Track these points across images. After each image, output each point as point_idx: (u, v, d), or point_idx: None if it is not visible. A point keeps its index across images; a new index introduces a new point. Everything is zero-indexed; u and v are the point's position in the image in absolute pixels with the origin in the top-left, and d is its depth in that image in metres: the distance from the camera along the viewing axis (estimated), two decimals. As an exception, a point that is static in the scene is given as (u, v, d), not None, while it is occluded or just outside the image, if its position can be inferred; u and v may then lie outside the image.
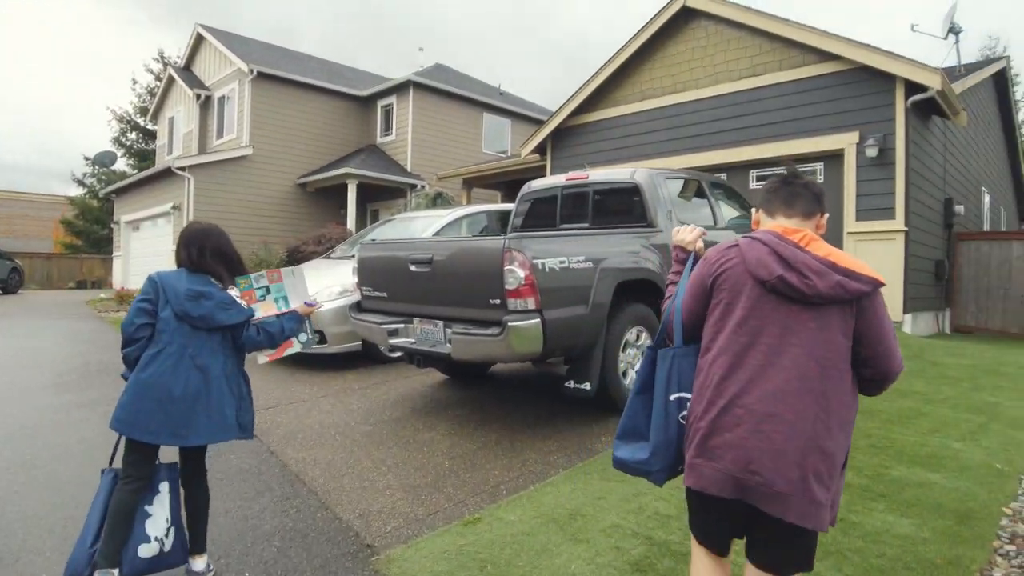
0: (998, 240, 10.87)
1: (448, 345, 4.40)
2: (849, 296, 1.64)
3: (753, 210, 1.97)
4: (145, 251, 20.09)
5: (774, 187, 1.89)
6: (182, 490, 2.75)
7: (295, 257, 14.94)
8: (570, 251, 4.34)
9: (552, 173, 12.45)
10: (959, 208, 10.72)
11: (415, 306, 4.71)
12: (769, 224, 1.84)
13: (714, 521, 1.80)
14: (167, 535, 2.64)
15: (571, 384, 4.46)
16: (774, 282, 1.67)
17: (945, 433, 4.37)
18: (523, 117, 22.08)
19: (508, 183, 15.79)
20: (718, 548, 1.83)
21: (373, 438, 4.46)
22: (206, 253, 2.77)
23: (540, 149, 12.89)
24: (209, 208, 16.88)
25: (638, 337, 4.87)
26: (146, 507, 2.62)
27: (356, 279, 5.27)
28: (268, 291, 3.04)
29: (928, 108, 9.16)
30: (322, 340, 6.56)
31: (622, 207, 5.72)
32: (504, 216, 8.45)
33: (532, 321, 3.98)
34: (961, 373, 6.19)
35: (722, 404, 1.68)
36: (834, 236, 9.10)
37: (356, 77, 21.98)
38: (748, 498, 1.63)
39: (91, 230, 28.75)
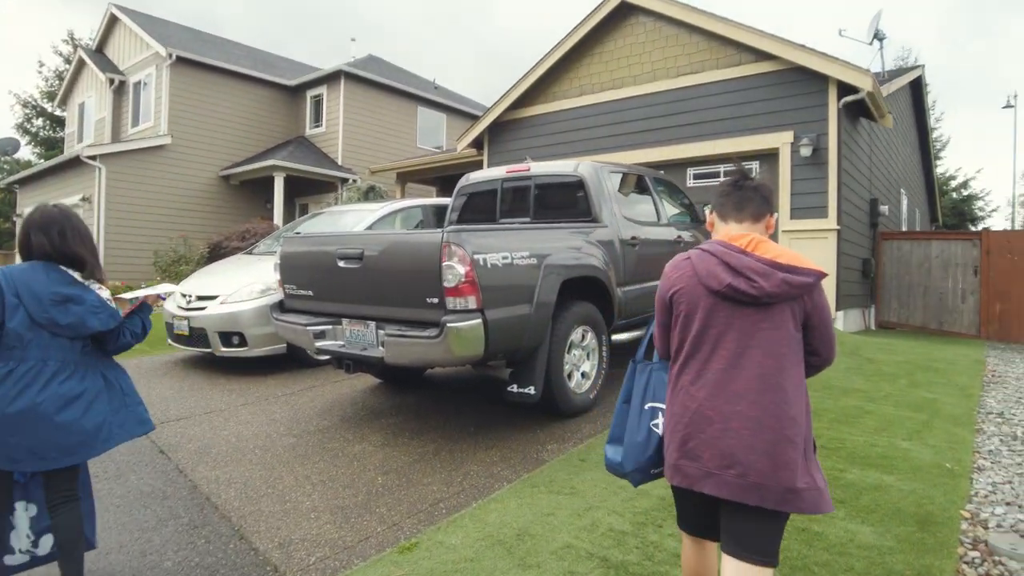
0: (919, 240, 11.27)
1: (381, 348, 4.04)
2: (795, 291, 1.77)
3: (707, 210, 2.11)
4: (51, 246, 18.62)
5: (726, 191, 1.98)
6: (51, 519, 2.34)
7: (217, 253, 14.10)
8: (513, 246, 4.05)
9: (490, 167, 12.15)
10: (884, 208, 11.05)
11: (344, 306, 4.32)
12: (722, 228, 1.97)
13: (695, 513, 1.95)
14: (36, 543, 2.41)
15: (514, 388, 4.18)
16: (724, 290, 1.79)
17: (892, 432, 4.32)
18: (459, 112, 21.70)
19: (444, 178, 15.42)
20: (702, 535, 1.98)
21: (297, 451, 4.04)
22: (68, 235, 2.37)
23: (477, 143, 12.57)
24: (123, 201, 15.77)
25: (583, 337, 4.63)
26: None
27: (278, 276, 4.82)
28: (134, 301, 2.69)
29: (857, 109, 9.35)
30: (242, 343, 6.05)
31: (565, 201, 5.47)
32: (441, 211, 8.09)
33: (473, 322, 3.67)
34: (897, 370, 6.26)
35: (694, 408, 1.81)
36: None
37: (285, 66, 21.06)
38: (727, 492, 1.74)
39: (-10, 224, 26.59)
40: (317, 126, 18.99)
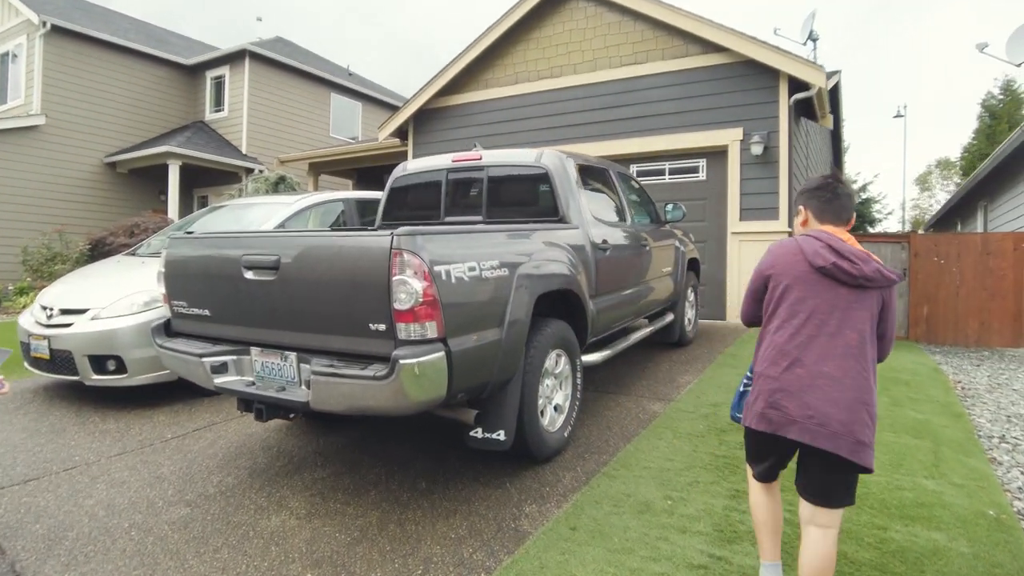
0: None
1: (304, 389, 3.06)
2: (884, 282, 2.08)
3: (800, 208, 2.34)
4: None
5: (827, 197, 2.26)
6: None
7: (101, 250, 12.36)
8: (480, 253, 3.17)
9: (414, 159, 11.14)
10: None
11: (253, 331, 3.30)
12: (817, 226, 2.26)
13: (771, 460, 2.26)
14: None
15: (479, 434, 3.31)
16: (830, 267, 2.09)
17: (908, 467, 3.76)
18: (376, 101, 20.43)
19: (362, 170, 14.23)
20: (770, 478, 2.33)
21: (191, 531, 3.00)
22: None
23: (400, 133, 11.52)
24: (-18, 189, 13.62)
25: (556, 363, 3.81)
26: None
27: (163, 289, 3.72)
28: None
29: (802, 108, 9.04)
30: (120, 369, 4.85)
31: (524, 197, 4.64)
32: (366, 206, 7.07)
33: (434, 356, 2.77)
34: (871, 385, 5.82)
35: (785, 364, 2.12)
36: (719, 236, 8.71)
37: (181, 44, 19.08)
38: (808, 438, 2.02)
39: None
40: (218, 110, 17.26)
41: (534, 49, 10.24)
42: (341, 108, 19.27)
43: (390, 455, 3.90)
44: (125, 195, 16.01)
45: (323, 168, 14.29)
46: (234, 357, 3.36)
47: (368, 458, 3.86)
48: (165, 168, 15.31)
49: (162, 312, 4.81)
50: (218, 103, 17.33)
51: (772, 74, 8.31)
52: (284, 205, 6.28)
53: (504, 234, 3.57)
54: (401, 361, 2.68)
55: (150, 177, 16.15)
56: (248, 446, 4.09)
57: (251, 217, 6.37)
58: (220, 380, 3.33)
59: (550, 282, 3.64)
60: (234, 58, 16.79)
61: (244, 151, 16.44)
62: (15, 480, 3.59)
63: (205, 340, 3.53)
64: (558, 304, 3.88)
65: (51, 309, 5.10)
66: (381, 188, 5.61)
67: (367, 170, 14.00)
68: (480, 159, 4.76)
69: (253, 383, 3.29)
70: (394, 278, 2.75)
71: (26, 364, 5.39)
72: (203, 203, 17.60)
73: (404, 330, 2.77)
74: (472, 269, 3.05)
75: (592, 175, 4.93)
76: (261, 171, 16.34)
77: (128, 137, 16.10)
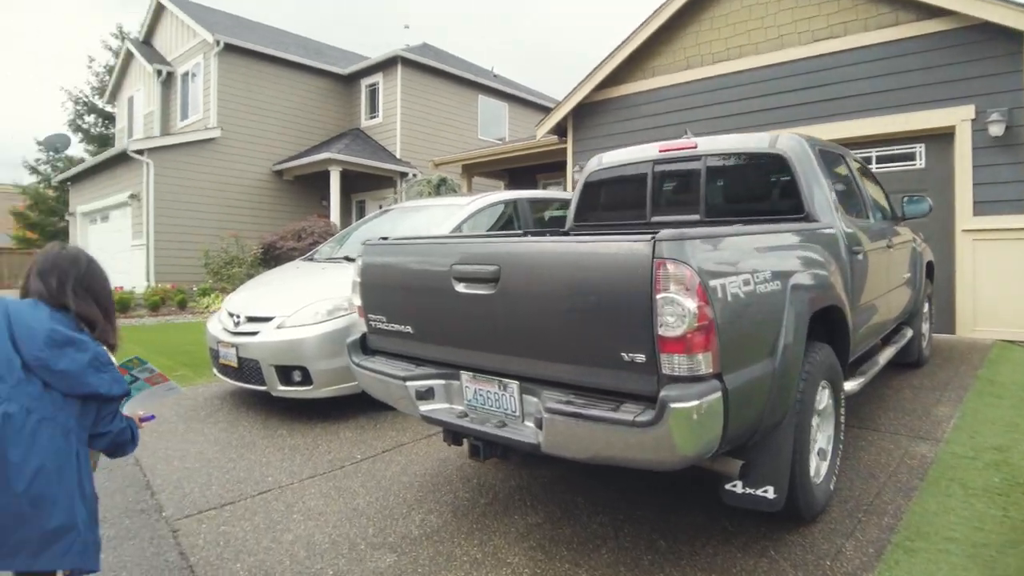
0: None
1: (531, 427, 2.54)
2: None
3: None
4: (105, 246, 17.86)
5: None
6: None
7: (271, 254, 12.93)
8: (753, 262, 2.49)
9: (575, 156, 10.60)
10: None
11: (464, 352, 2.83)
12: None
13: None
14: None
15: (738, 488, 2.62)
16: None
17: None
18: (522, 101, 20.19)
19: (514, 171, 13.88)
20: None
21: (401, 584, 2.57)
22: (69, 287, 1.93)
23: (559, 129, 11.00)
24: (171, 197, 14.77)
25: (821, 396, 3.04)
26: None
27: (358, 301, 3.37)
28: (133, 383, 2.14)
29: (1051, 77, 7.46)
30: (305, 380, 4.65)
31: (755, 190, 3.90)
32: (542, 205, 6.58)
33: (711, 397, 2.13)
34: None
35: None
36: (944, 234, 7.37)
37: (336, 55, 19.87)
38: None
39: (46, 222, 26.18)
40: (373, 117, 17.72)
41: (707, 30, 9.32)
42: (488, 109, 19.20)
43: (607, 499, 3.30)
44: (291, 201, 16.83)
45: (476, 169, 14.13)
46: (442, 382, 2.91)
47: (583, 500, 3.29)
48: (326, 174, 15.89)
49: (346, 322, 4.57)
50: (372, 110, 17.80)
51: (1013, 38, 6.88)
52: (458, 207, 5.92)
53: (771, 236, 2.86)
54: (672, 405, 2.06)
55: (312, 183, 16.86)
56: (445, 475, 3.67)
57: (423, 220, 6.08)
58: (426, 408, 2.89)
59: (822, 296, 2.89)
60: (386, 65, 17.15)
61: (398, 155, 16.74)
62: (212, 502, 3.38)
63: (406, 360, 3.12)
64: (818, 323, 3.10)
65: (238, 316, 5.02)
66: (532, 188, 5.07)
67: (519, 171, 13.65)
68: (695, 147, 4.06)
69: (465, 414, 2.81)
70: (659, 296, 2.13)
71: (215, 371, 5.39)
72: (361, 207, 18.16)
73: (671, 363, 2.15)
74: (747, 282, 2.37)
75: (831, 162, 4.07)
76: (415, 175, 16.56)
77: (292, 146, 16.91)
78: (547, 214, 6.71)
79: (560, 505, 3.24)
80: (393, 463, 3.89)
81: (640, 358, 2.20)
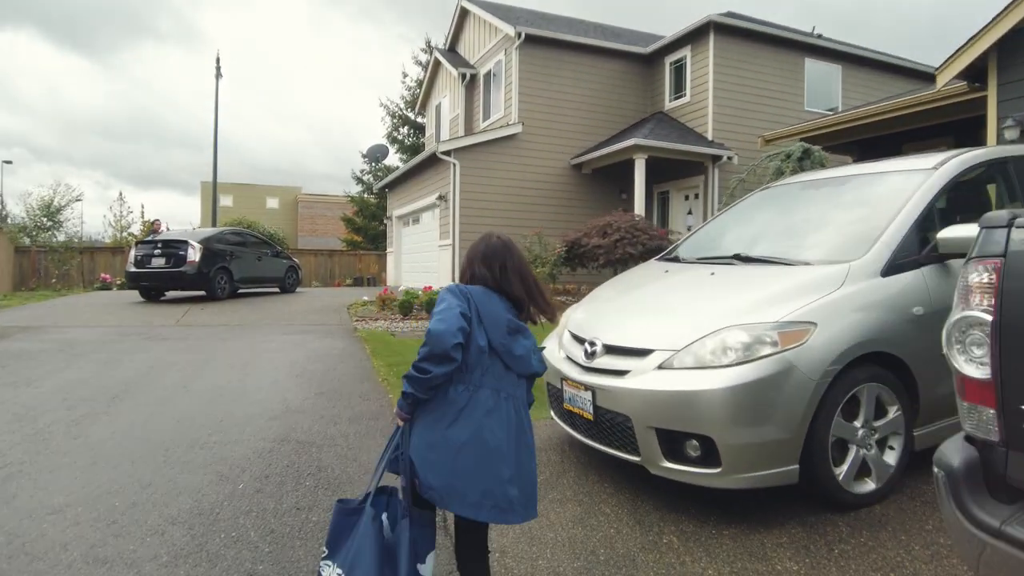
0: None
1: None
2: None
3: None
4: (415, 247, 18.80)
5: None
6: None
7: (576, 252, 11.74)
8: None
9: (1001, 107, 7.39)
10: None
11: None
12: None
13: None
14: None
15: None
16: None
17: None
18: (860, 61, 16.43)
19: (869, 142, 10.75)
20: None
21: None
22: (509, 273, 2.13)
23: (971, 73, 7.83)
24: (475, 197, 14.53)
25: None
26: None
27: (960, 357, 1.41)
28: None
29: None
30: (708, 458, 2.85)
31: None
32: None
33: None
34: None
35: None
36: None
37: (634, 37, 18.27)
38: None
39: (369, 227, 29.27)
40: (679, 96, 15.74)
41: None
42: (816, 75, 15.92)
43: None
44: (588, 196, 15.68)
45: (816, 143, 11.30)
46: None
47: None
48: (624, 166, 14.38)
49: (775, 366, 2.68)
50: (678, 89, 15.82)
51: None
52: (918, 174, 3.65)
53: None
54: None
55: (610, 176, 15.51)
56: None
57: (846, 198, 3.94)
58: None
59: None
60: (696, 36, 15.02)
61: (710, 137, 14.53)
62: None
63: None
64: None
65: (592, 344, 3.43)
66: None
67: (875, 141, 10.50)
68: None
69: None
70: None
71: (552, 414, 3.91)
72: (664, 200, 16.35)
73: None
74: None
75: None
76: (730, 158, 14.21)
77: (589, 138, 15.74)
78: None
79: None
80: None
81: None
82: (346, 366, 6.77)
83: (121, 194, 43.95)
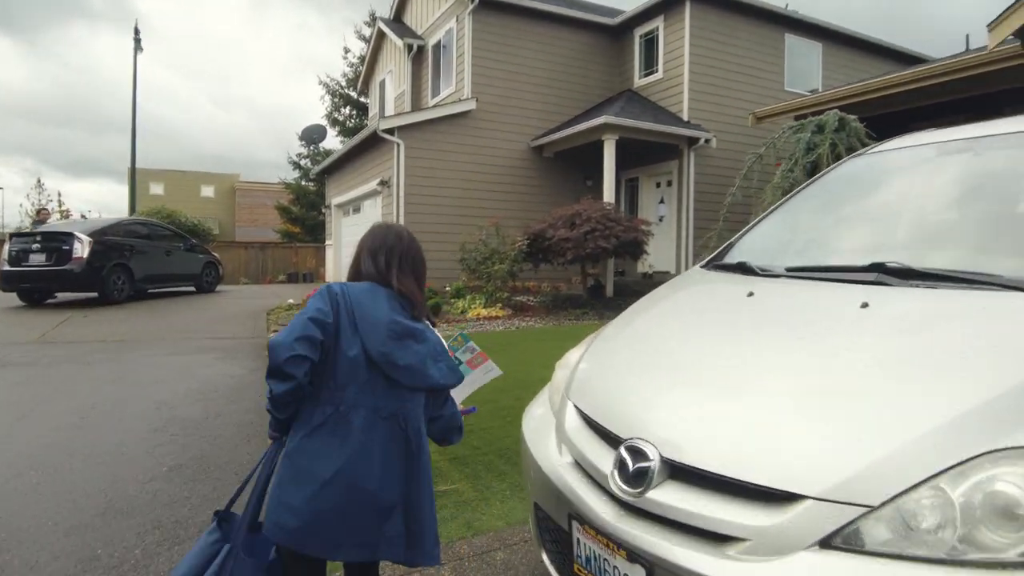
0: None
1: None
2: None
3: None
4: (355, 239, 16.74)
5: None
6: None
7: (540, 246, 10.04)
8: None
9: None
10: None
11: None
12: None
13: None
14: None
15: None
16: None
17: None
18: (841, 39, 15.18)
19: (883, 119, 9.34)
20: None
21: None
22: (395, 264, 1.84)
23: (1027, 31, 6.41)
24: (421, 182, 12.64)
25: None
26: None
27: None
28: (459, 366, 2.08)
29: None
30: None
31: None
32: None
33: None
34: None
35: None
36: None
37: (601, 10, 16.61)
38: None
39: (307, 216, 26.89)
40: (650, 73, 14.16)
41: None
42: (796, 53, 14.59)
43: None
44: (550, 183, 13.99)
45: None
46: None
47: None
48: (591, 149, 12.74)
49: None
50: (649, 65, 14.24)
51: None
52: None
53: None
54: None
55: (574, 161, 13.85)
56: None
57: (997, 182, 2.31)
58: None
59: None
60: (669, 5, 13.46)
61: (685, 117, 13.00)
62: None
63: None
64: None
65: (637, 453, 1.65)
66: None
67: (891, 118, 9.10)
68: None
69: None
70: None
71: (549, 566, 2.15)
72: (632, 188, 14.78)
73: None
74: None
75: None
76: (708, 140, 12.71)
77: (551, 118, 14.05)
78: None
79: None
80: None
81: None
82: (235, 409, 4.87)
83: (39, 180, 40.13)
